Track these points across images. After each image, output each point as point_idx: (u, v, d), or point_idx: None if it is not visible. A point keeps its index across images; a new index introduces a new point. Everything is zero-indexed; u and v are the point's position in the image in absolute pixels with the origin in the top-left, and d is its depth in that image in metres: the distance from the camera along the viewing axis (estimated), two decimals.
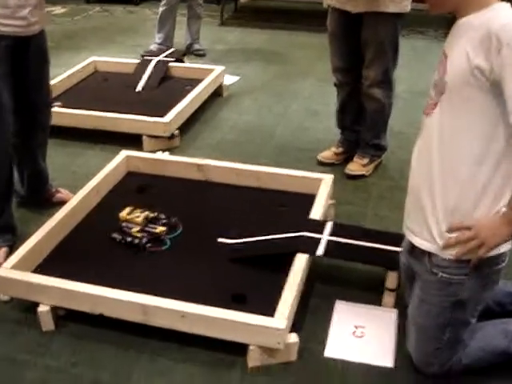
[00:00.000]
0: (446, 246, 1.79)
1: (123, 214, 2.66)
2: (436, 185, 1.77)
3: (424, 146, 1.82)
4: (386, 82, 3.12)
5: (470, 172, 1.71)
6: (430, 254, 1.85)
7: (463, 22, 1.66)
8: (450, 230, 1.77)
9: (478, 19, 1.61)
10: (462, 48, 1.63)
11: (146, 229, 2.59)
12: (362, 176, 3.30)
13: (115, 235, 2.56)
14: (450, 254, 1.79)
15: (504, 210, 1.72)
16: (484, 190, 1.72)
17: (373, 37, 2.99)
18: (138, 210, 2.67)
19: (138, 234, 2.54)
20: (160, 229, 2.57)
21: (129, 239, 2.53)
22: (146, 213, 2.65)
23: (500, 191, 1.72)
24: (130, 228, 2.58)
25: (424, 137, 1.83)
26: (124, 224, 2.61)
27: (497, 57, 1.55)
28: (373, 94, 3.14)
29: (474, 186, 1.72)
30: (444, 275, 1.82)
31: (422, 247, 1.87)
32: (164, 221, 2.64)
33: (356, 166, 3.31)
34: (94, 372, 2.07)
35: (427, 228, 1.83)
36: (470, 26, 1.63)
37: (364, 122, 3.31)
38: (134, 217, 2.63)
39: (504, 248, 1.78)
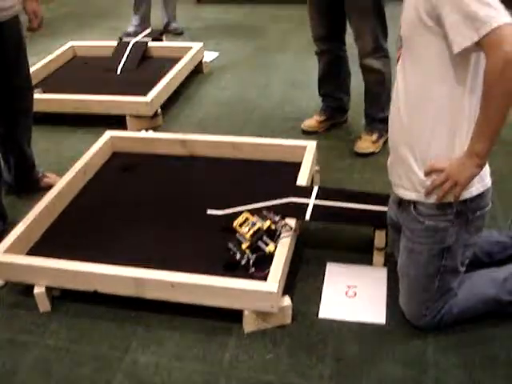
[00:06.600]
0: (427, 193, 1.84)
1: (236, 223, 2.36)
2: (408, 134, 1.84)
3: (395, 100, 1.89)
4: (379, 50, 3.04)
5: (436, 115, 1.76)
6: (415, 204, 1.91)
7: None
8: (426, 174, 1.83)
9: None
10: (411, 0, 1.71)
11: (258, 244, 2.26)
12: (372, 153, 3.20)
13: (231, 245, 2.30)
14: (432, 199, 1.84)
15: None
16: (453, 132, 1.77)
17: (354, 3, 2.94)
18: (251, 220, 2.33)
19: (247, 252, 2.24)
20: (269, 248, 2.23)
21: (238, 256, 2.24)
22: (258, 225, 2.28)
23: (470, 130, 1.75)
24: (241, 242, 2.28)
25: (394, 92, 1.89)
26: (237, 235, 2.33)
27: None
28: (370, 64, 3.06)
29: (442, 130, 1.77)
30: (430, 222, 1.88)
31: (407, 197, 1.92)
32: (284, 227, 2.30)
33: (365, 144, 3.22)
34: (92, 347, 2.10)
35: (408, 178, 1.89)
36: None
37: (366, 98, 3.24)
38: (243, 232, 2.30)
39: (476, 190, 1.83)
